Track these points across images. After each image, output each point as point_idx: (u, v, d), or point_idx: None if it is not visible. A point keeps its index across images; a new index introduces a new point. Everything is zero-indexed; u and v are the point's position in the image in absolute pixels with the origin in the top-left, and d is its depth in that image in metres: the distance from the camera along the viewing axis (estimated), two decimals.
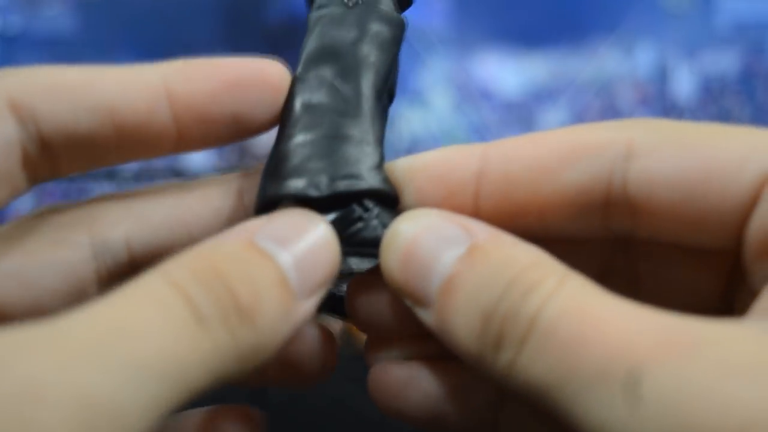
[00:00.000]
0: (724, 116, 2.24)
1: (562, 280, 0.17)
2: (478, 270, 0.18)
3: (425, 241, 0.19)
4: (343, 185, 0.21)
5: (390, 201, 0.22)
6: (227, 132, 0.23)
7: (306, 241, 0.19)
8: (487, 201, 0.21)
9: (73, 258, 0.22)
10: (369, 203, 0.21)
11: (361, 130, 0.22)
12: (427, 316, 0.19)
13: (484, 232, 0.19)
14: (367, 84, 0.23)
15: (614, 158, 0.19)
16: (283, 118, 0.22)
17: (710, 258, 0.21)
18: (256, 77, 0.22)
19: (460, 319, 0.18)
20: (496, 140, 0.21)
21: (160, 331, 0.16)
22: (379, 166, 0.22)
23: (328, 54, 0.23)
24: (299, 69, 0.23)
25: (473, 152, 0.21)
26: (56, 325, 0.15)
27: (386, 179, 0.22)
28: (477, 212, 0.21)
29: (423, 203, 0.21)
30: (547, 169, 0.20)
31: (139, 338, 0.16)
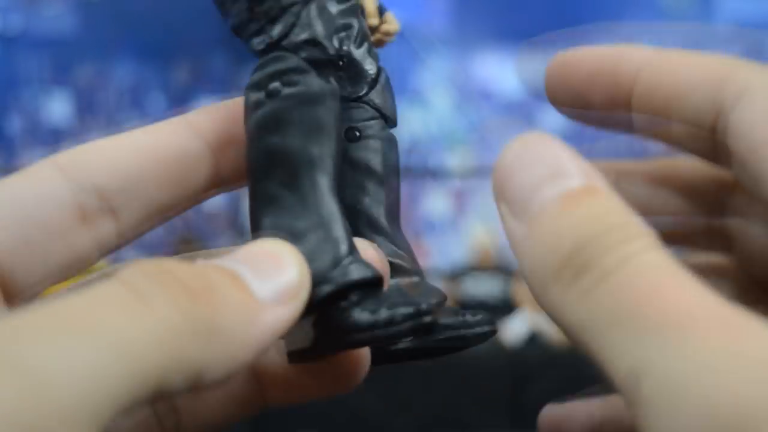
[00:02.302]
0: None
1: (644, 247, 0.17)
2: (573, 212, 0.18)
3: (548, 156, 0.19)
4: (325, 290, 0.21)
5: (373, 284, 0.21)
6: None
7: (278, 271, 0.20)
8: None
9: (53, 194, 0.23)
10: (352, 296, 0.21)
11: (322, 223, 0.22)
12: (516, 226, 0.19)
13: (590, 176, 0.19)
14: (320, 177, 0.22)
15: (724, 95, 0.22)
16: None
17: None
18: None
19: (540, 249, 0.18)
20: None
21: (96, 309, 0.16)
22: (351, 253, 0.21)
23: (273, 162, 0.22)
24: (249, 182, 0.23)
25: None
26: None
27: (365, 265, 0.21)
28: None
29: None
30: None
31: (79, 317, 0.16)
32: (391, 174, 0.25)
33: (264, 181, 0.22)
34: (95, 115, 4.54)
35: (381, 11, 0.26)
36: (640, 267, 0.17)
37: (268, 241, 0.20)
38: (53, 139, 4.53)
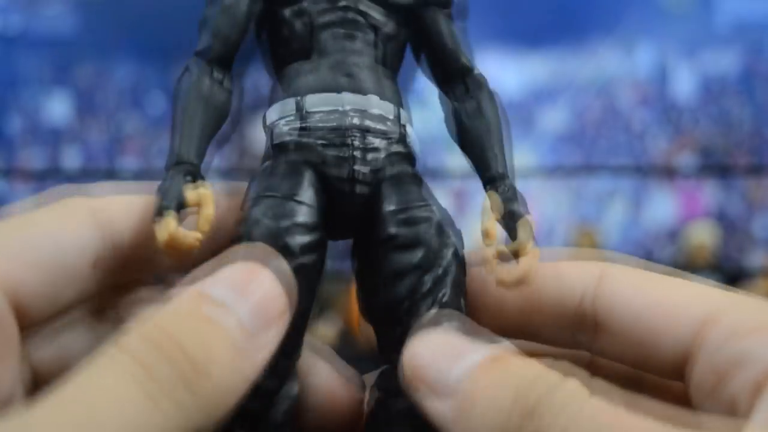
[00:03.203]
0: (724, 116, 2.24)
1: (577, 388, 0.20)
2: (496, 374, 0.21)
3: (453, 341, 0.22)
4: None
5: None
6: None
7: (257, 285, 0.21)
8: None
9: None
10: None
11: None
12: (440, 403, 0.21)
13: (492, 348, 0.22)
14: None
15: (589, 280, 0.24)
16: None
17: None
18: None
19: (477, 408, 0.21)
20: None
21: (103, 396, 0.18)
22: None
23: None
24: None
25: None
26: (23, 418, 0.17)
27: None
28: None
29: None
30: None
31: (85, 409, 0.17)
32: None
33: None
34: (95, 115, 4.54)
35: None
36: (584, 403, 0.19)
37: (258, 266, 0.21)
38: (53, 138, 4.53)
